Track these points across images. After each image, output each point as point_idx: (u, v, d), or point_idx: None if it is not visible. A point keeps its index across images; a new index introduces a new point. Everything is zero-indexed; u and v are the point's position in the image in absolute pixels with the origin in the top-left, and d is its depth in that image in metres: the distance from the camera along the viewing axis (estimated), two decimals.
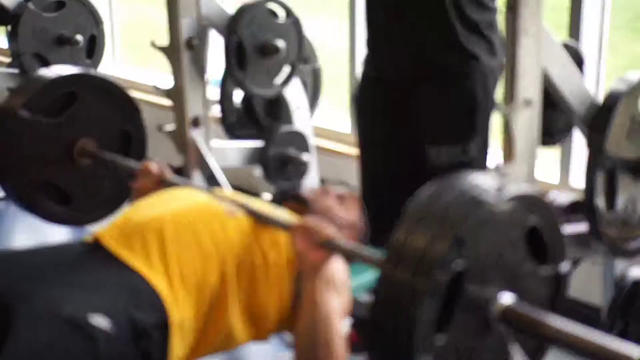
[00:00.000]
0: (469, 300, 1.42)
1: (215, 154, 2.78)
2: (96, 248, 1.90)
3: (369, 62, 2.52)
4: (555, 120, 2.23)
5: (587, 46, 2.77)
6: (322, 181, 3.07)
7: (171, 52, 2.66)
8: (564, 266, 1.59)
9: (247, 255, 1.93)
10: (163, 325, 1.76)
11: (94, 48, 4.30)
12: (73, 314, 1.64)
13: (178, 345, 1.79)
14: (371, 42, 2.48)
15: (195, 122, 2.71)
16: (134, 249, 1.86)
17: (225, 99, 3.02)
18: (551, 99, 2.09)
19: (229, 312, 1.90)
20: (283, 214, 2.06)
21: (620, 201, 2.15)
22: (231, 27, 2.69)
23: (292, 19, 2.83)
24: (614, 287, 2.34)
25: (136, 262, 1.84)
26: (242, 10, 2.72)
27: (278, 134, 2.93)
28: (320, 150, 3.66)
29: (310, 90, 3.22)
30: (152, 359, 1.74)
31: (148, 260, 1.84)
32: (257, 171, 2.99)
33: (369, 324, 1.43)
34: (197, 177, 2.72)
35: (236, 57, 2.72)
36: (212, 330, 1.89)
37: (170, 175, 2.25)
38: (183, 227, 1.91)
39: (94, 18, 4.29)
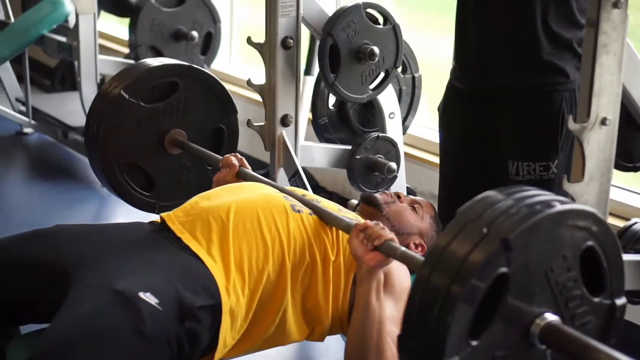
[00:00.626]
0: (510, 311, 1.39)
1: (302, 154, 2.81)
2: (162, 229, 1.98)
3: (454, 73, 2.50)
4: (638, 143, 2.16)
5: None
6: (410, 190, 3.06)
7: (266, 49, 2.71)
8: (620, 299, 1.53)
9: (307, 251, 1.95)
10: (214, 310, 1.81)
11: (209, 45, 4.45)
12: (124, 288, 1.72)
13: (228, 331, 1.83)
14: (458, 54, 2.47)
15: (284, 121, 2.74)
16: (196, 233, 1.93)
17: (318, 101, 3.05)
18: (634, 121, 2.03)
19: (283, 305, 1.92)
20: (349, 216, 2.07)
21: None
22: (327, 29, 2.72)
23: (391, 26, 2.83)
24: None
25: (195, 245, 1.90)
26: (339, 14, 2.73)
27: (367, 139, 2.93)
28: (413, 158, 3.65)
29: (408, 98, 3.22)
30: (200, 340, 1.79)
31: (208, 245, 1.90)
32: None
33: (402, 327, 1.43)
34: (282, 174, 2.76)
35: (330, 59, 2.74)
36: (264, 321, 1.92)
37: (248, 169, 2.31)
38: (247, 216, 1.95)
39: (212, 16, 4.45)
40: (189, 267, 1.84)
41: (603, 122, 1.85)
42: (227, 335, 1.84)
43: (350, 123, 3.09)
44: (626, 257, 2.10)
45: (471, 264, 1.33)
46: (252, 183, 2.18)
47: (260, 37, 2.73)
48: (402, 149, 3.03)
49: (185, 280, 1.80)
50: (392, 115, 3.04)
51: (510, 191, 1.44)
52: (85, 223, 2.24)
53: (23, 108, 5.07)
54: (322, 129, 3.09)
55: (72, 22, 4.49)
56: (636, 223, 2.22)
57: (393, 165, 2.93)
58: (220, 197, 2.04)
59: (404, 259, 1.78)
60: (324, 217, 2.02)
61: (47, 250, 1.91)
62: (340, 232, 2.00)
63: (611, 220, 1.65)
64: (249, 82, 2.75)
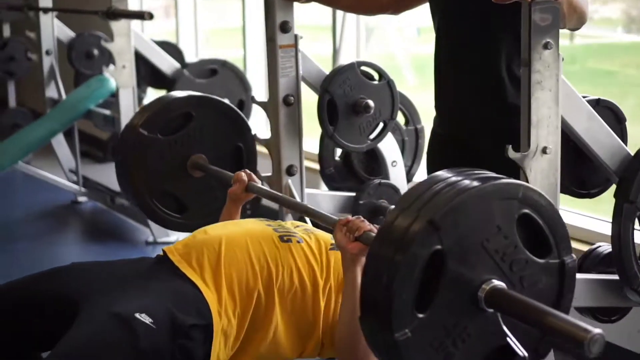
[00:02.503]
0: (453, 280, 1.54)
1: (308, 201, 3.04)
2: (162, 260, 2.23)
3: (435, 121, 2.72)
4: (591, 172, 2.33)
5: None
6: None
7: (270, 107, 2.98)
8: (569, 257, 1.67)
9: (295, 277, 2.18)
10: (207, 329, 2.03)
11: (241, 111, 4.76)
12: (121, 310, 1.96)
13: (221, 348, 2.06)
14: (437, 103, 2.70)
15: (290, 171, 2.99)
16: (191, 262, 2.17)
17: (324, 151, 3.30)
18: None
19: (273, 325, 2.14)
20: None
21: None
22: (324, 86, 2.99)
23: (385, 81, 3.08)
24: None
25: (191, 272, 2.14)
26: (335, 72, 3.00)
27: (370, 186, 3.16)
28: None
29: (412, 149, 3.45)
30: (193, 356, 2.01)
31: (201, 271, 2.14)
32: None
33: (360, 306, 1.61)
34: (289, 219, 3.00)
35: (329, 113, 3.00)
36: (256, 339, 2.14)
37: (257, 182, 2.61)
38: (237, 246, 2.20)
39: (243, 85, 4.76)
40: (184, 291, 2.09)
41: (544, 151, 2.05)
42: (221, 352, 2.07)
43: (355, 172, 3.33)
44: (589, 276, 2.29)
45: (409, 237, 1.52)
46: (246, 220, 2.44)
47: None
48: None
49: (179, 303, 2.04)
50: (394, 164, 3.27)
51: (444, 175, 1.63)
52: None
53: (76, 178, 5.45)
54: (330, 179, 3.33)
55: None
56: (600, 246, 2.39)
57: None
58: (215, 230, 2.30)
59: None
60: (310, 216, 2.34)
61: (61, 286, 2.16)
62: (330, 257, 2.24)
63: (575, 245, 1.83)
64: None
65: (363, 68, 3.06)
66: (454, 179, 1.61)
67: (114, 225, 5.20)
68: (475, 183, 1.58)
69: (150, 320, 1.95)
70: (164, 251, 2.25)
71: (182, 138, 2.95)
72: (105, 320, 1.95)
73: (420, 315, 1.53)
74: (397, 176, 3.28)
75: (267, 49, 2.95)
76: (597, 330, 1.36)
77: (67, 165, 5.61)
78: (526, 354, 1.61)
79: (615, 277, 2.24)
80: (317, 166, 3.44)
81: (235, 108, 3.04)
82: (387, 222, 1.59)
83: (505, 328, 1.60)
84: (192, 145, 2.97)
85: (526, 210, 1.61)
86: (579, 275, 2.29)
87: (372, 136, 3.10)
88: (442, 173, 1.64)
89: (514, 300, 1.54)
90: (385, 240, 1.57)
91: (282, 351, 2.19)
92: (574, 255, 1.70)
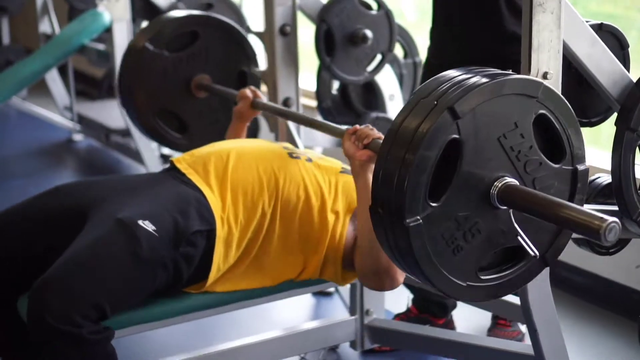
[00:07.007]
0: (467, 175, 1.52)
1: (304, 134, 2.99)
2: (169, 169, 2.23)
3: (430, 51, 2.67)
4: (592, 100, 2.28)
5: None
6: None
7: (265, 37, 2.92)
8: (582, 164, 1.66)
9: (302, 190, 2.15)
10: (210, 235, 2.03)
11: None
12: (124, 217, 1.95)
13: (221, 256, 2.05)
14: (431, 33, 2.64)
15: (286, 103, 2.94)
16: (198, 169, 2.16)
17: (320, 85, 3.24)
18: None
19: (275, 237, 2.12)
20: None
21: None
22: (321, 16, 2.92)
23: (384, 11, 3.01)
24: None
25: (197, 178, 2.13)
26: (332, 0, 2.93)
27: (367, 119, 3.11)
28: None
29: (410, 82, 3.39)
30: (194, 263, 2.01)
31: (207, 179, 2.13)
32: None
33: (371, 199, 1.57)
34: None
35: (326, 44, 2.93)
36: (256, 251, 2.12)
37: (262, 99, 2.57)
38: (245, 157, 2.18)
39: (239, 19, 4.65)
40: (188, 197, 2.08)
41: (545, 76, 1.99)
42: (221, 262, 2.06)
43: (353, 106, 3.28)
44: (588, 207, 2.25)
45: (421, 133, 1.48)
46: (255, 139, 2.41)
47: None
48: None
49: (183, 209, 2.02)
50: (392, 97, 3.22)
51: (463, 70, 1.59)
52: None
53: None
54: (326, 113, 3.28)
55: None
56: (599, 177, 2.34)
57: None
58: (224, 144, 2.30)
59: None
60: (318, 127, 2.30)
61: (67, 200, 2.13)
62: (339, 179, 2.22)
63: None
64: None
65: None
66: (470, 74, 1.56)
67: (109, 162, 5.16)
68: (496, 76, 1.54)
69: (154, 227, 1.95)
70: (171, 161, 2.24)
71: (187, 56, 2.89)
72: (109, 226, 1.94)
73: (433, 204, 1.50)
74: (395, 110, 3.22)
75: None
76: (612, 219, 1.38)
77: (61, 103, 5.55)
78: (537, 253, 1.58)
79: (615, 208, 2.20)
80: (312, 103, 3.38)
81: (243, 31, 2.97)
82: (397, 122, 1.54)
83: (516, 226, 1.57)
84: (197, 65, 2.91)
85: (544, 111, 1.57)
86: None
87: (369, 68, 3.05)
88: (457, 70, 1.58)
89: (528, 195, 1.52)
90: (396, 140, 1.52)
91: (282, 266, 2.16)
92: (587, 165, 1.66)
